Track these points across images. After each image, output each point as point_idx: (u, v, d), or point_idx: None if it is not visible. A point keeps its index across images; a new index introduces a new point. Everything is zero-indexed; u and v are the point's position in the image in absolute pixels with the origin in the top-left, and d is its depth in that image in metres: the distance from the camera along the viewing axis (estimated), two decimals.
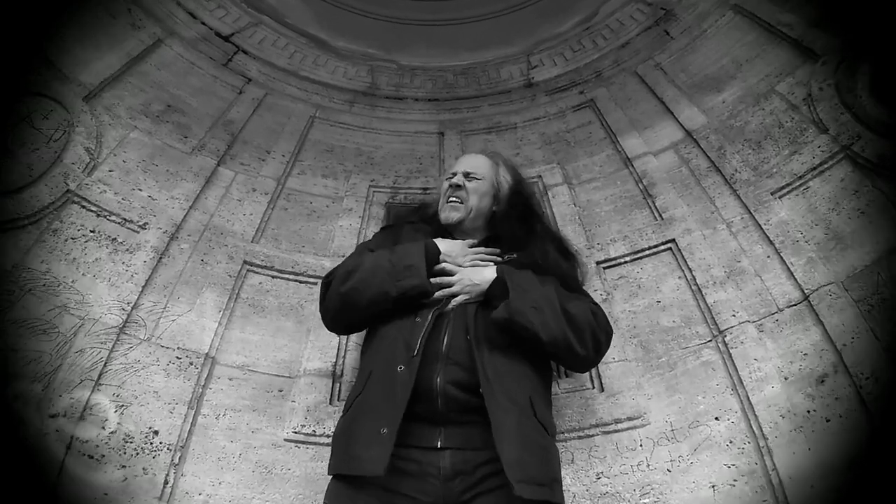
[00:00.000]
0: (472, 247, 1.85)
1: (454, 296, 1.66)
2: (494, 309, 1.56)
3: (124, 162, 2.44)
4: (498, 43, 3.44)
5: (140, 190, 2.41)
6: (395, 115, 3.25)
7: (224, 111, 2.87)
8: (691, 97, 2.73)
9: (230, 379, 2.09)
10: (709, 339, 2.06)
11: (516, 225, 1.91)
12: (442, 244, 1.79)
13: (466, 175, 1.96)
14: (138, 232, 2.30)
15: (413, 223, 2.02)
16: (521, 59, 3.41)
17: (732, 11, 2.74)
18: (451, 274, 1.72)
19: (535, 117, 3.15)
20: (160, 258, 2.26)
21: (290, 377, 2.10)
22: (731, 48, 2.77)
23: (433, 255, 1.74)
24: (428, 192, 2.83)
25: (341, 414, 1.60)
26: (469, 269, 1.73)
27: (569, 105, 3.12)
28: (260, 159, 2.78)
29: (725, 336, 2.02)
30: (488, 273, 1.69)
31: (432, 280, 1.67)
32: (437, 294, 1.66)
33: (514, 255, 1.80)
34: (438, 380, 1.46)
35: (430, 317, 1.57)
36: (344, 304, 1.68)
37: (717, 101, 2.65)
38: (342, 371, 2.15)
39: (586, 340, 1.60)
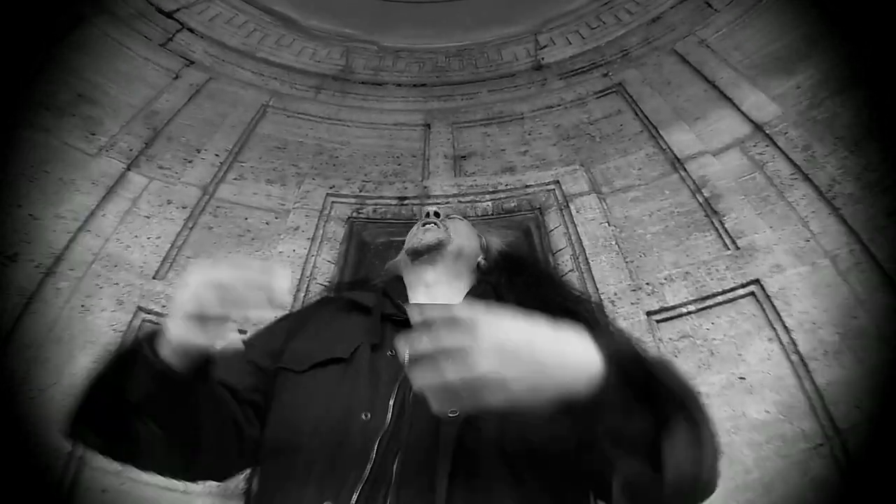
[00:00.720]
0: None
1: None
2: None
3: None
4: (499, 21, 2.77)
5: (19, 206, 1.68)
6: (370, 103, 2.45)
7: (150, 101, 2.10)
8: (754, 80, 1.98)
9: (104, 491, 1.30)
10: (820, 442, 1.23)
11: (506, 278, 1.08)
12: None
13: (445, 214, 1.26)
14: (6, 265, 1.56)
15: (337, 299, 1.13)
16: (528, 38, 2.69)
17: None
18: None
19: (547, 105, 2.36)
20: (26, 304, 1.50)
21: (185, 492, 1.29)
22: (798, 21, 2.01)
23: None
24: (405, 203, 1.99)
25: None
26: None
27: (590, 90, 2.31)
28: (185, 160, 1.97)
29: (847, 441, 1.19)
30: (585, 350, 0.53)
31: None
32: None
33: None
34: None
35: (375, 450, 0.69)
36: None
37: (788, 85, 1.93)
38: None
39: None
